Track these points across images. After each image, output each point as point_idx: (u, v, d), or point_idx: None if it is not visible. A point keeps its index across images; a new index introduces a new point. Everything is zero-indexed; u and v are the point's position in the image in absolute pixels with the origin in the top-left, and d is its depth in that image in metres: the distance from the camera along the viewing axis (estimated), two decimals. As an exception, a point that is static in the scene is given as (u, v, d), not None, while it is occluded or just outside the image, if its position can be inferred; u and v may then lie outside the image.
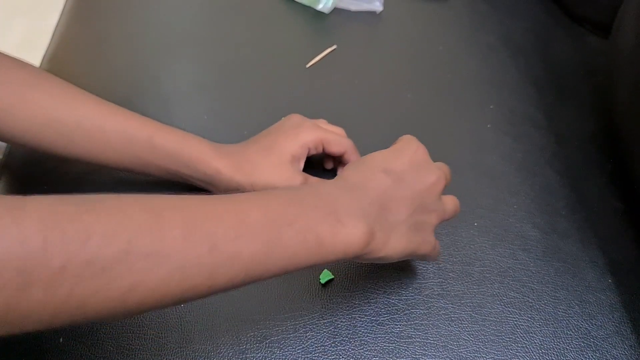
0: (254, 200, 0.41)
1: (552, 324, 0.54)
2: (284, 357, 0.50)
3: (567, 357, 0.52)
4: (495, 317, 0.54)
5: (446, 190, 0.51)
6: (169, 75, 0.75)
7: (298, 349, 0.51)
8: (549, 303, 0.56)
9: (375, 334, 0.52)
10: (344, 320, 0.53)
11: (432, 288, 0.56)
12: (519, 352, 0.52)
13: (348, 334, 0.52)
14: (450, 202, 0.51)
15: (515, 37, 0.84)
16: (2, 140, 0.58)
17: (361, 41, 0.82)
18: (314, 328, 0.52)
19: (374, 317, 0.53)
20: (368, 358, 0.51)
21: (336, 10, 0.84)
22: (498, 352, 0.52)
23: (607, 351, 0.53)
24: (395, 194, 0.46)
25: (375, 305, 0.54)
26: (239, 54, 0.78)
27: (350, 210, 0.43)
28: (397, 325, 0.53)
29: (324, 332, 0.52)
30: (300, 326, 0.52)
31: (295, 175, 0.58)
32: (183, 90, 0.74)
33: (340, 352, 0.51)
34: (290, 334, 0.52)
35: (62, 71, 0.75)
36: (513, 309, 0.55)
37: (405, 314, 0.54)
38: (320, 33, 0.83)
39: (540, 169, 0.68)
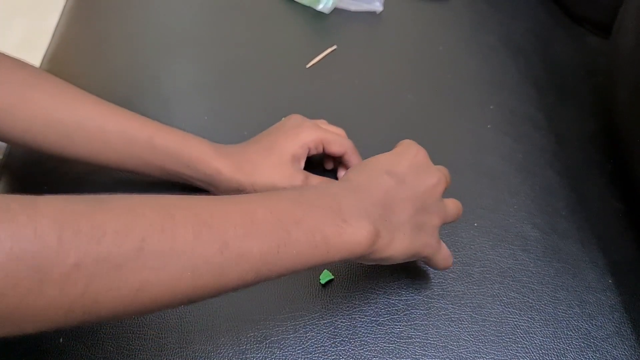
0: (261, 200, 0.42)
1: (552, 324, 0.54)
2: (284, 357, 0.50)
3: (567, 357, 0.52)
4: (495, 318, 0.54)
5: (446, 191, 0.51)
6: (169, 76, 0.75)
7: (298, 349, 0.51)
8: (549, 303, 0.56)
9: (375, 335, 0.52)
10: (344, 320, 0.53)
11: (432, 288, 0.56)
12: (519, 353, 0.52)
13: (348, 334, 0.52)
14: (452, 205, 0.52)
15: (515, 37, 0.84)
16: (2, 141, 0.58)
17: (361, 41, 0.82)
18: (314, 328, 0.52)
19: (374, 317, 0.53)
20: (368, 358, 0.51)
21: (336, 11, 0.84)
22: (498, 352, 0.52)
23: (607, 352, 0.53)
24: (398, 195, 0.47)
25: (375, 305, 0.54)
26: (239, 54, 0.78)
27: (355, 211, 0.44)
28: (397, 325, 0.53)
29: (324, 332, 0.52)
30: (300, 326, 0.52)
31: (296, 174, 0.58)
32: (183, 90, 0.74)
33: (340, 353, 0.51)
34: (290, 334, 0.52)
35: (62, 71, 0.75)
36: (513, 309, 0.55)
37: (405, 315, 0.54)
38: (320, 33, 0.83)
39: (540, 169, 0.68)
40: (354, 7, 0.85)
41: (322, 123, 0.63)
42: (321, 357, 0.51)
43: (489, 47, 0.82)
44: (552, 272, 0.58)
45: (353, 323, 0.53)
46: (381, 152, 0.52)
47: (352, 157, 0.61)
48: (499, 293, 0.56)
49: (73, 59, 0.79)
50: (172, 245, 0.35)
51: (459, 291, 0.56)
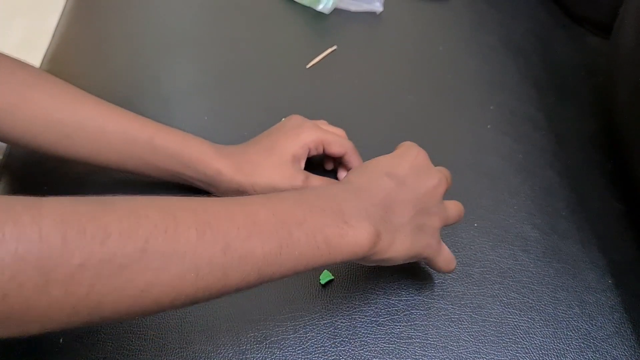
0: (263, 202, 0.42)
1: (552, 324, 0.54)
2: (284, 357, 0.50)
3: (567, 357, 0.52)
4: (495, 318, 0.54)
5: (447, 192, 0.51)
6: (169, 76, 0.75)
7: (298, 350, 0.51)
8: (549, 304, 0.56)
9: (375, 335, 0.52)
10: (344, 320, 0.53)
11: (432, 289, 0.56)
12: (519, 353, 0.52)
13: (348, 334, 0.52)
14: (454, 207, 0.52)
15: (515, 37, 0.84)
16: (2, 141, 0.58)
17: (361, 42, 0.82)
18: (314, 329, 0.52)
19: (374, 317, 0.53)
20: (368, 359, 0.51)
21: (336, 11, 0.84)
22: (498, 352, 0.52)
23: (607, 352, 0.53)
24: (398, 197, 0.47)
25: (375, 306, 0.54)
26: (239, 54, 0.78)
27: (356, 212, 0.44)
28: (397, 326, 0.53)
29: (324, 332, 0.52)
30: (300, 327, 0.52)
31: (296, 174, 0.58)
32: (183, 90, 0.74)
33: (340, 353, 0.51)
34: (290, 335, 0.52)
35: (62, 71, 0.75)
36: (513, 309, 0.55)
37: (405, 315, 0.54)
38: (320, 34, 0.83)
39: (540, 169, 0.68)
40: (354, 7, 0.85)
41: (323, 124, 0.63)
42: (321, 358, 0.51)
43: (489, 47, 0.82)
44: (552, 273, 0.58)
45: (353, 323, 0.53)
46: (381, 153, 0.52)
47: (352, 157, 0.61)
48: (499, 293, 0.56)
49: (73, 59, 0.79)
50: (175, 246, 0.35)
51: (459, 291, 0.56)
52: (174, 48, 0.79)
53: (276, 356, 0.50)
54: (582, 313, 0.55)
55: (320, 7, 0.84)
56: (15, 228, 0.30)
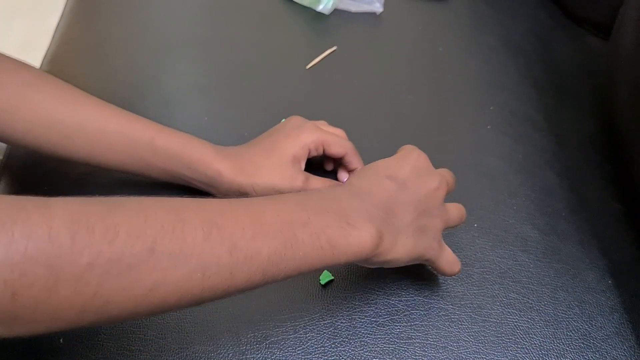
0: (267, 203, 0.42)
1: (552, 325, 0.54)
2: (284, 358, 0.50)
3: (566, 358, 0.52)
4: (495, 319, 0.54)
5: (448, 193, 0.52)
6: (170, 76, 0.75)
7: (298, 350, 0.51)
8: (548, 304, 0.56)
9: (375, 335, 0.52)
10: (344, 321, 0.53)
11: (432, 289, 0.56)
12: (519, 353, 0.52)
13: (348, 334, 0.52)
14: (455, 209, 0.53)
15: (515, 38, 0.85)
16: (3, 142, 0.58)
17: (361, 42, 0.82)
18: (314, 329, 0.52)
19: (373, 318, 0.53)
20: (368, 359, 0.51)
21: (336, 12, 0.84)
22: (498, 353, 0.52)
23: (607, 352, 0.53)
24: (400, 199, 0.48)
25: (375, 306, 0.54)
26: (239, 55, 0.78)
27: (359, 214, 0.44)
28: (397, 326, 0.53)
29: (324, 333, 0.52)
30: (300, 327, 0.52)
31: (296, 175, 0.58)
32: (183, 91, 0.74)
33: (340, 353, 0.51)
34: (290, 335, 0.52)
35: (62, 72, 0.75)
36: (513, 310, 0.55)
37: (405, 315, 0.54)
38: (320, 34, 0.83)
39: (540, 170, 0.68)
40: (354, 8, 0.85)
41: (323, 124, 0.63)
42: (321, 358, 0.51)
43: (489, 47, 0.82)
44: (552, 273, 0.58)
45: (353, 324, 0.53)
46: (381, 153, 0.53)
47: (352, 158, 0.61)
48: (498, 294, 0.56)
49: (73, 59, 0.79)
50: (182, 246, 0.36)
51: (459, 292, 0.56)
52: (174, 48, 0.79)
53: (276, 356, 0.50)
54: (581, 313, 0.56)
55: (320, 8, 0.84)
56: (25, 227, 0.30)
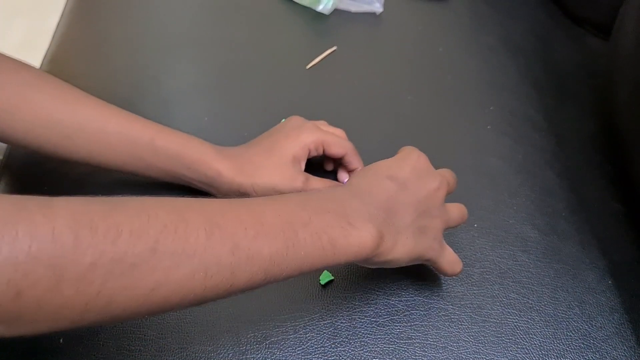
0: (269, 203, 0.43)
1: (552, 325, 0.54)
2: (284, 358, 0.50)
3: (566, 358, 0.52)
4: (495, 319, 0.54)
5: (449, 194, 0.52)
6: (170, 76, 0.75)
7: (298, 350, 0.51)
8: (548, 304, 0.56)
9: (375, 335, 0.52)
10: (344, 321, 0.53)
11: (432, 289, 0.56)
12: (519, 354, 0.52)
13: (348, 334, 0.52)
14: (456, 210, 0.53)
15: (515, 38, 0.85)
16: (3, 142, 0.58)
17: (361, 42, 0.82)
18: (314, 329, 0.52)
19: (373, 318, 0.53)
20: (368, 359, 0.51)
21: (336, 12, 0.84)
22: (498, 353, 0.52)
23: (607, 352, 0.53)
24: (400, 199, 0.48)
25: (375, 306, 0.54)
26: (239, 55, 0.78)
27: (360, 214, 0.45)
28: (396, 326, 0.53)
29: (324, 333, 0.52)
30: (300, 327, 0.52)
31: (296, 175, 0.58)
32: (183, 91, 0.74)
33: (340, 353, 0.51)
34: (290, 335, 0.52)
35: (62, 72, 0.75)
36: (513, 310, 0.55)
37: (405, 315, 0.54)
38: (320, 34, 0.83)
39: (540, 170, 0.68)
40: (354, 8, 0.85)
41: (322, 124, 0.63)
42: (321, 358, 0.51)
43: (488, 48, 0.82)
44: (552, 273, 0.58)
45: (353, 324, 0.53)
46: (381, 153, 0.53)
47: (352, 158, 0.61)
48: (498, 294, 0.56)
49: (73, 59, 0.79)
50: (184, 246, 0.36)
51: (459, 292, 0.56)
52: (174, 49, 0.79)
53: (276, 356, 0.50)
54: (581, 314, 0.56)
55: (320, 8, 0.84)
56: (29, 227, 0.31)
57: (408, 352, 0.52)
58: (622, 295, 0.58)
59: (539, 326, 0.54)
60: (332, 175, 0.64)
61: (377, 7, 0.85)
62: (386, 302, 0.55)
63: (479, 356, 0.52)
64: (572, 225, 0.63)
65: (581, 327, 0.55)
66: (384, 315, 0.54)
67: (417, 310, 0.54)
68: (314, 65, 0.77)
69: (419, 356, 0.51)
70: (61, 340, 0.50)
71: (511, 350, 0.52)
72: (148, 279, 0.34)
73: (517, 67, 0.80)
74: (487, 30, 0.85)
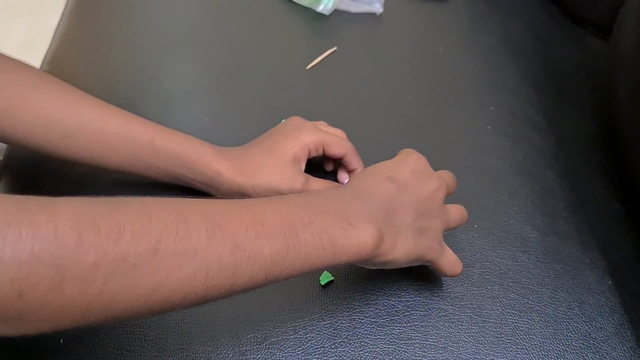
0: (270, 204, 0.43)
1: (552, 325, 0.54)
2: (284, 358, 0.50)
3: (566, 359, 0.52)
4: (495, 319, 0.54)
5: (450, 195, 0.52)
6: (170, 77, 0.75)
7: (298, 350, 0.51)
8: (548, 305, 0.56)
9: (375, 336, 0.52)
10: (343, 321, 0.53)
11: (432, 290, 0.56)
12: (519, 354, 0.52)
13: (348, 335, 0.52)
14: (456, 211, 0.53)
15: (515, 38, 0.85)
16: (4, 142, 0.58)
17: (361, 43, 0.82)
18: (314, 329, 0.52)
19: (373, 318, 0.53)
20: (368, 359, 0.51)
21: (336, 12, 0.85)
22: (498, 353, 0.52)
23: (607, 353, 0.53)
24: (400, 200, 0.48)
25: (375, 306, 0.54)
26: (239, 55, 0.78)
27: (360, 214, 0.45)
28: (396, 326, 0.53)
29: (324, 333, 0.52)
30: (300, 327, 0.52)
31: (296, 175, 0.58)
32: (183, 91, 0.74)
33: (340, 354, 0.51)
34: (290, 335, 0.52)
35: (62, 72, 0.75)
36: (513, 310, 0.55)
37: (405, 316, 0.54)
38: (320, 35, 0.83)
39: (540, 170, 0.68)
40: (354, 8, 0.85)
41: (322, 125, 0.63)
42: (321, 358, 0.51)
43: (488, 48, 0.82)
44: (551, 274, 0.58)
45: (353, 324, 0.53)
46: (381, 153, 0.53)
47: (352, 158, 0.61)
48: (498, 294, 0.56)
49: (73, 59, 0.79)
50: (186, 246, 0.36)
51: (459, 292, 0.56)
52: (174, 49, 0.79)
53: (276, 357, 0.50)
54: (581, 314, 0.56)
55: (320, 8, 0.84)
56: (31, 227, 0.31)
57: (408, 353, 0.52)
58: (622, 295, 0.58)
59: (539, 327, 0.54)
60: (332, 176, 0.64)
61: (377, 8, 0.85)
62: (386, 302, 0.55)
63: (478, 356, 0.52)
64: (572, 225, 0.63)
65: (581, 327, 0.55)
66: (384, 315, 0.54)
67: (417, 310, 0.54)
68: (314, 65, 0.77)
69: (418, 356, 0.51)
70: (61, 341, 0.50)
71: (511, 351, 0.52)
72: (150, 278, 0.35)
73: (517, 67, 0.80)
74: (487, 30, 0.85)
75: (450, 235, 0.59)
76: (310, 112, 0.64)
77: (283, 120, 0.63)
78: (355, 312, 0.54)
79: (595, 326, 0.55)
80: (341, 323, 0.53)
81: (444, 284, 0.56)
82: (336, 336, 0.52)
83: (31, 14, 1.66)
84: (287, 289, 0.54)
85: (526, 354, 0.52)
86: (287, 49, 0.81)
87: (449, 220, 0.52)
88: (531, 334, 0.54)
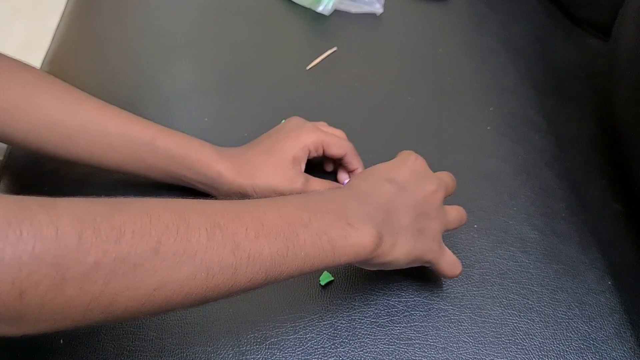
0: (269, 204, 0.43)
1: (551, 326, 0.54)
2: (283, 358, 0.50)
3: (566, 359, 0.52)
4: (494, 319, 0.54)
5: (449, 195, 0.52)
6: (170, 77, 0.76)
7: (298, 351, 0.51)
8: (548, 305, 0.56)
9: (374, 336, 0.52)
10: (343, 321, 0.53)
11: (432, 290, 0.56)
12: (519, 354, 0.52)
13: (348, 335, 0.52)
14: (455, 212, 0.53)
15: (515, 39, 0.85)
16: (4, 142, 0.58)
17: (361, 43, 0.82)
18: (313, 329, 0.52)
19: (373, 318, 0.53)
20: (367, 359, 0.51)
21: (336, 12, 0.85)
22: (498, 354, 0.52)
23: (606, 353, 0.53)
24: (399, 201, 0.48)
25: (375, 307, 0.54)
26: (239, 56, 0.78)
27: (359, 215, 0.45)
28: (396, 327, 0.53)
29: (324, 333, 0.52)
30: (300, 328, 0.52)
31: (296, 176, 0.58)
32: (184, 92, 0.74)
33: (339, 354, 0.51)
34: (290, 336, 0.52)
35: (62, 73, 0.75)
36: (513, 311, 0.55)
37: (404, 316, 0.54)
38: (320, 35, 0.83)
39: (540, 171, 0.68)
40: (354, 8, 0.85)
41: (322, 125, 0.63)
42: (321, 358, 0.51)
43: (488, 49, 0.83)
44: (551, 274, 0.58)
45: (353, 324, 0.53)
46: (381, 154, 0.53)
47: (352, 159, 0.61)
48: (498, 295, 0.56)
49: (73, 60, 0.79)
50: (186, 246, 0.36)
51: (459, 293, 0.56)
52: (174, 49, 0.79)
53: (276, 357, 0.50)
54: (581, 314, 0.56)
55: (320, 9, 0.84)
56: (32, 227, 0.31)
57: (408, 353, 0.52)
58: (622, 296, 0.58)
59: (539, 327, 0.54)
60: (332, 176, 0.64)
61: (377, 8, 0.85)
62: (386, 302, 0.55)
63: (478, 357, 0.52)
64: (572, 226, 0.63)
65: (581, 328, 0.55)
66: (384, 316, 0.54)
67: (417, 311, 0.54)
68: (314, 66, 0.77)
69: (418, 357, 0.51)
70: (61, 341, 0.50)
71: (511, 351, 0.52)
72: (150, 278, 0.35)
73: (517, 68, 0.80)
74: (487, 31, 0.85)
75: (450, 236, 0.59)
76: (310, 112, 0.64)
77: (283, 121, 0.63)
78: (355, 313, 0.54)
79: (595, 326, 0.55)
80: (341, 323, 0.53)
81: (444, 284, 0.56)
82: (336, 336, 0.52)
83: (31, 15, 1.66)
84: (287, 289, 0.54)
85: (526, 354, 0.52)
86: (287, 49, 0.81)
87: (448, 221, 0.52)
88: (531, 335, 0.54)
